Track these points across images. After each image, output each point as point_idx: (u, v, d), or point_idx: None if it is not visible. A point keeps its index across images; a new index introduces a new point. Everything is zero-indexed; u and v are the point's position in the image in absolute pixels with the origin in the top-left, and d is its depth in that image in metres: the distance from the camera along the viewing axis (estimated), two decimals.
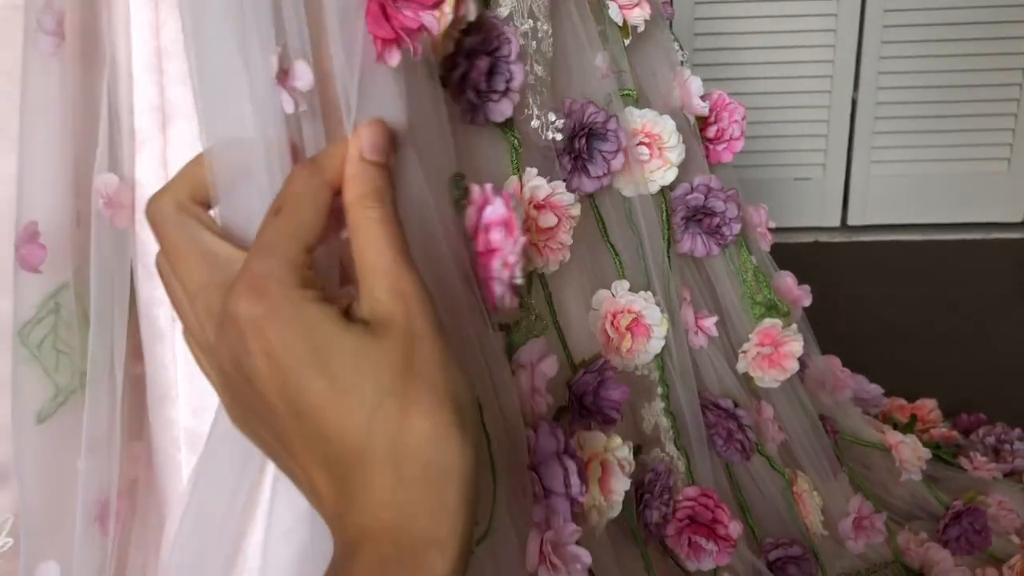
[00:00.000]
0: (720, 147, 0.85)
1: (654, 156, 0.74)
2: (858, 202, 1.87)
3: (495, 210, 0.45)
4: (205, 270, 0.40)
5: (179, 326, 0.45)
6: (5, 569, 0.52)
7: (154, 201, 0.41)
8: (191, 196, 0.41)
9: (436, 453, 0.35)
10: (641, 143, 0.74)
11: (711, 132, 0.84)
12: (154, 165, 0.48)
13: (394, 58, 0.41)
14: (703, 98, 0.80)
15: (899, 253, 1.83)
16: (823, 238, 1.86)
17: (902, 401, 1.30)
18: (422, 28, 0.41)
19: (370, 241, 0.38)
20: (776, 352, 0.82)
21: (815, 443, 0.87)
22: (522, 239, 0.44)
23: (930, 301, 1.61)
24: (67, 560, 0.50)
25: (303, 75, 0.41)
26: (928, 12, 1.70)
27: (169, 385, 0.49)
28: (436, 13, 0.42)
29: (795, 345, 0.82)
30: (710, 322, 0.79)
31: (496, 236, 0.45)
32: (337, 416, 0.35)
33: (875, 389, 1.29)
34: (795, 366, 0.82)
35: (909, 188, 1.85)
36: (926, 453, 0.97)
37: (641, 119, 0.73)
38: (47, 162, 0.47)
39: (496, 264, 0.45)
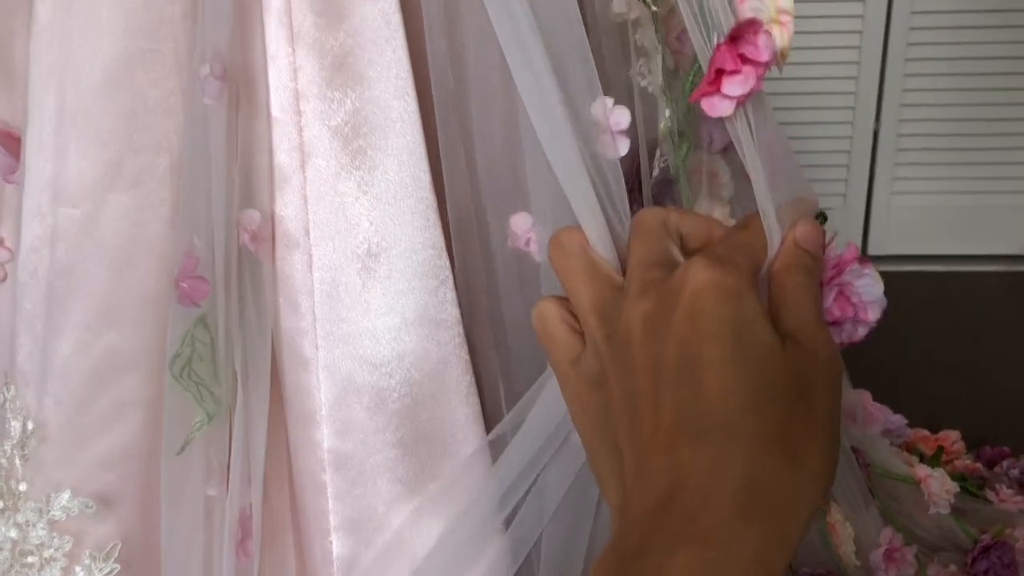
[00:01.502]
0: None
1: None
2: (879, 232, 1.88)
3: (867, 289, 0.46)
4: (599, 281, 0.43)
5: (323, 354, 0.48)
6: None
7: (569, 232, 0.44)
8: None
9: (789, 487, 0.35)
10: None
11: None
12: (296, 200, 0.52)
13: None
14: None
15: (920, 284, 1.83)
16: None
17: (925, 432, 1.32)
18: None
19: (794, 300, 0.40)
20: None
21: (847, 474, 0.89)
22: None
23: (952, 332, 1.62)
24: None
25: (623, 118, 0.44)
26: (951, 46, 1.72)
27: (315, 409, 0.52)
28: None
29: None
30: None
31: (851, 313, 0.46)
32: (722, 387, 0.36)
33: (898, 420, 1.30)
34: None
35: (930, 219, 1.86)
36: (954, 487, 0.98)
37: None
38: (207, 200, 0.50)
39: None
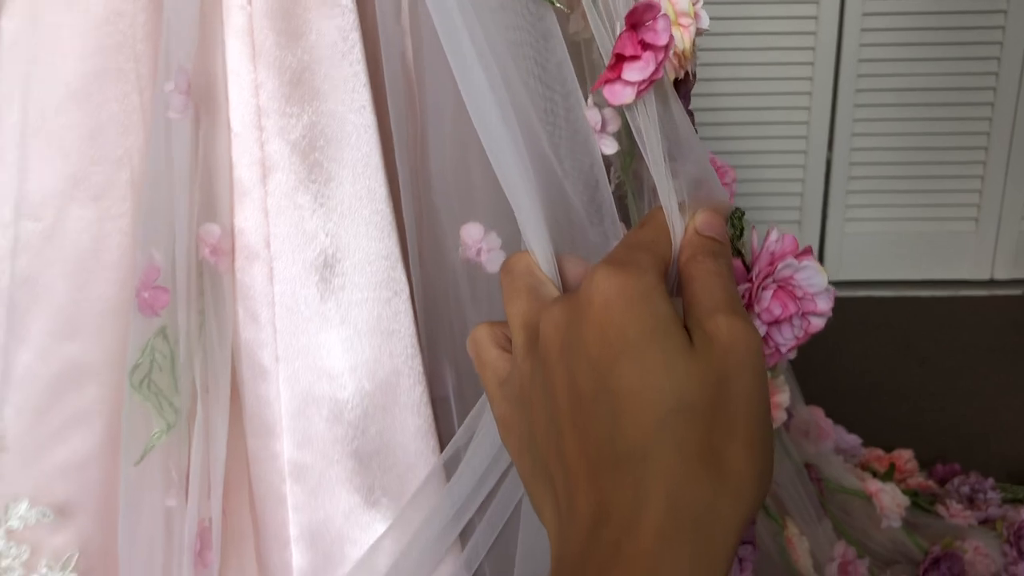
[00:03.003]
0: None
1: None
2: (833, 259, 1.91)
3: (809, 279, 0.46)
4: (534, 299, 0.41)
5: (283, 365, 0.49)
6: None
7: (518, 256, 0.43)
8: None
9: (714, 503, 0.34)
10: None
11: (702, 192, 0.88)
12: (256, 214, 0.52)
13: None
14: None
15: (872, 308, 1.86)
16: None
17: (879, 452, 1.34)
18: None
19: (705, 288, 0.39)
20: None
21: (800, 490, 0.91)
22: None
23: (903, 355, 1.65)
24: None
25: (613, 121, 0.46)
26: (899, 77, 1.76)
27: (274, 421, 0.53)
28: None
29: (783, 396, 0.85)
30: None
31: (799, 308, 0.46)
32: (637, 406, 0.35)
33: (853, 439, 1.33)
34: (783, 416, 0.85)
35: (882, 246, 1.89)
36: (905, 501, 1.00)
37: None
38: (169, 213, 0.51)
39: (785, 336, 0.46)
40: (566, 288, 0.43)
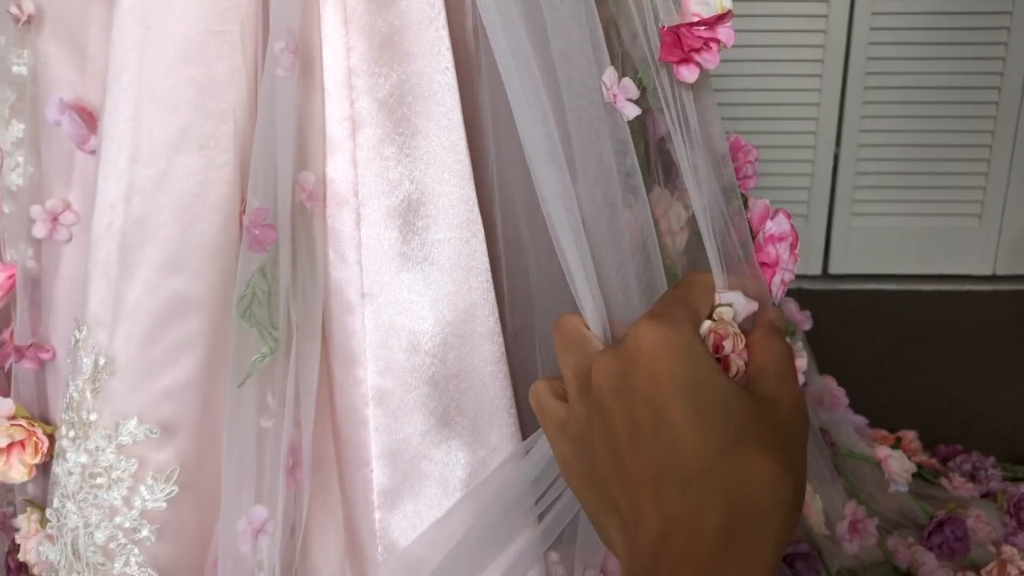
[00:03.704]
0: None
1: None
2: (839, 252, 1.95)
3: (779, 225, 0.52)
4: (583, 352, 0.49)
5: (368, 301, 0.55)
6: (172, 515, 0.60)
7: (567, 316, 0.51)
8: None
9: (764, 515, 0.40)
10: None
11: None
12: (346, 165, 0.58)
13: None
14: None
15: (878, 301, 1.90)
16: (806, 285, 1.95)
17: (884, 432, 1.39)
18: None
19: (772, 361, 0.47)
20: None
21: (815, 451, 0.96)
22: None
23: (908, 346, 1.70)
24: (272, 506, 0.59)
25: (630, 88, 0.52)
26: (906, 76, 1.81)
27: (359, 350, 0.58)
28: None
29: (801, 360, 0.91)
30: None
31: (779, 251, 0.52)
32: (694, 440, 0.42)
33: (859, 420, 1.37)
34: (802, 379, 0.91)
35: (887, 240, 1.94)
36: (912, 467, 1.06)
37: None
38: (273, 161, 0.57)
39: (775, 280, 0.52)
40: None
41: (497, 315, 0.61)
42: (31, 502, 0.75)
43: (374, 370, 0.59)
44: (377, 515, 0.61)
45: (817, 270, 1.96)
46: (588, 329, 0.51)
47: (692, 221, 0.74)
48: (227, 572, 0.58)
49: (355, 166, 0.59)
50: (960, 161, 1.87)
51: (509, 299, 0.64)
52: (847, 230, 1.94)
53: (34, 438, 0.70)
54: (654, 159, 0.75)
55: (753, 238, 0.53)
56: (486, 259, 0.61)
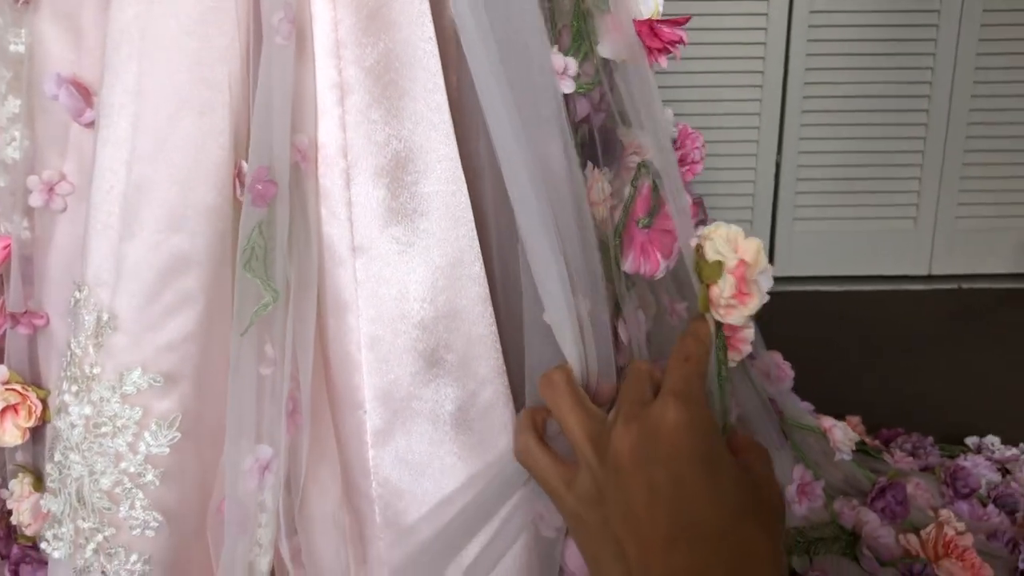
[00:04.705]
0: (684, 169, 1.02)
1: None
2: (783, 255, 2.02)
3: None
4: (588, 415, 0.56)
5: (358, 254, 0.61)
6: (174, 460, 0.63)
7: (556, 370, 0.60)
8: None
9: (762, 568, 0.48)
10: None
11: (677, 155, 1.01)
12: (335, 129, 0.63)
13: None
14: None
15: (820, 301, 1.96)
16: None
17: (831, 419, 1.45)
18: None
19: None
20: (734, 336, 0.97)
21: (764, 418, 1.02)
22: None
23: (849, 342, 1.77)
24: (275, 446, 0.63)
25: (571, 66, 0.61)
26: (843, 85, 1.89)
27: (350, 300, 0.63)
28: None
29: (748, 332, 0.97)
30: (681, 307, 0.94)
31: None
32: (709, 507, 0.49)
33: (806, 406, 1.44)
34: (748, 349, 0.97)
35: (828, 243, 2.01)
36: (855, 436, 1.12)
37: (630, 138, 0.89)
38: (270, 124, 0.61)
39: (675, 245, 0.60)
40: (595, 400, 0.59)
41: (482, 262, 0.66)
42: (22, 467, 0.77)
43: (366, 318, 0.64)
44: (371, 453, 0.65)
45: None
46: (578, 386, 0.58)
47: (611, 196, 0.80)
48: (232, 514, 0.62)
49: (344, 129, 0.63)
50: (895, 167, 1.95)
51: (497, 249, 0.69)
52: (789, 234, 2.01)
53: (28, 402, 0.73)
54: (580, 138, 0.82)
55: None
56: (470, 211, 0.65)
